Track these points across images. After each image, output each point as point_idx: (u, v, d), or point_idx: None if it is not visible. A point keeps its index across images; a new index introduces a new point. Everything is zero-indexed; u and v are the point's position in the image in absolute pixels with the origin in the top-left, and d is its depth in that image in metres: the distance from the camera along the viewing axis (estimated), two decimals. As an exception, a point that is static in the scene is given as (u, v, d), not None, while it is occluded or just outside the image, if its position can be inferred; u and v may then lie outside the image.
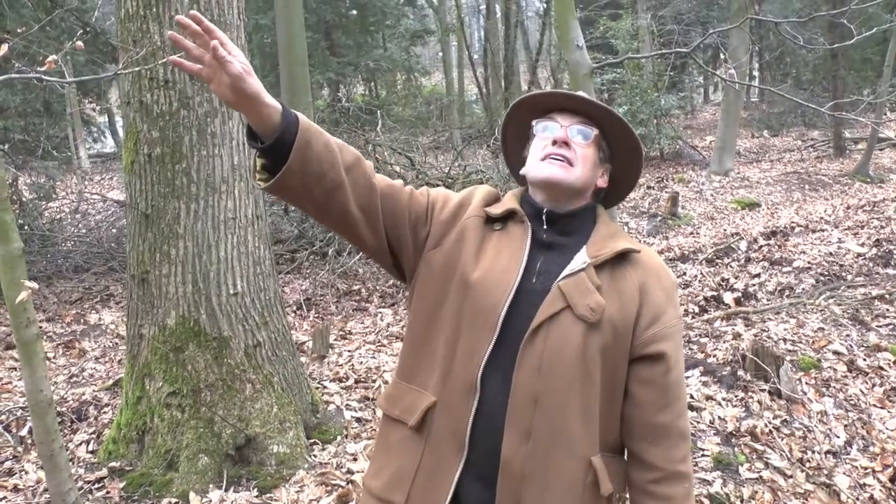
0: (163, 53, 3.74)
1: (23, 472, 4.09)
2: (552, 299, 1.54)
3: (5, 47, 3.03)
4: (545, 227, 1.64)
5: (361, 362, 5.59)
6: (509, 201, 1.67)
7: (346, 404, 4.70)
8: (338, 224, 1.57)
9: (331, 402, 4.69)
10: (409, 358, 1.67)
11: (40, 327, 6.71)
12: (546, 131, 1.66)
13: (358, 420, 4.50)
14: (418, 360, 1.64)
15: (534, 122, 1.69)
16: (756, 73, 22.56)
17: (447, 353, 1.58)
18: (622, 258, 1.62)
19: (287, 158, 1.42)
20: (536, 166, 1.64)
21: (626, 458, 1.66)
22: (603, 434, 1.58)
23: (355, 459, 3.95)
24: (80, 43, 3.30)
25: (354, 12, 22.54)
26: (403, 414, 1.63)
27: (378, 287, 7.84)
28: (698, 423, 4.24)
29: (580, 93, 1.69)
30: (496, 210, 1.65)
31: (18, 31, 4.94)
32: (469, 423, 1.55)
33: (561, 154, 1.62)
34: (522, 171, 1.69)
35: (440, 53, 26.69)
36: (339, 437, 4.26)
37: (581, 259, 1.59)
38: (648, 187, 12.84)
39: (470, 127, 19.89)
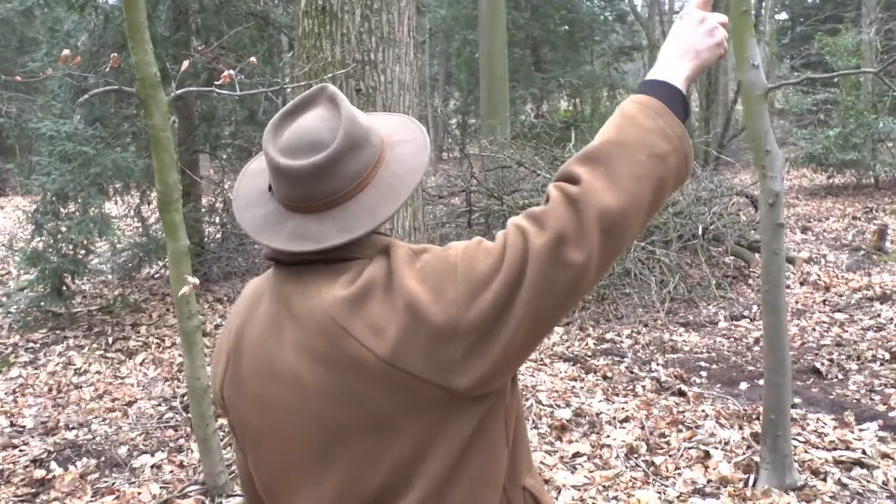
0: (332, 69, 3.95)
1: (189, 451, 4.46)
2: None
3: (185, 63, 3.32)
4: None
5: (519, 379, 5.59)
6: None
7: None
8: None
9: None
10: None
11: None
12: None
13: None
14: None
15: None
16: None
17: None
18: None
19: None
20: None
21: None
22: None
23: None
24: (253, 59, 3.56)
25: (565, 28, 22.62)
26: None
27: (553, 304, 7.78)
28: (868, 482, 3.87)
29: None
30: None
31: (203, 46, 5.39)
32: None
33: None
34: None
35: (641, 70, 26.12)
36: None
37: None
38: (854, 218, 11.80)
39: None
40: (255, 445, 1.29)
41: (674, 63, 1.32)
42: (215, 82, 3.57)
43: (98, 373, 6.20)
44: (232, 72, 3.48)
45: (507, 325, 1.11)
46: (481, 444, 1.21)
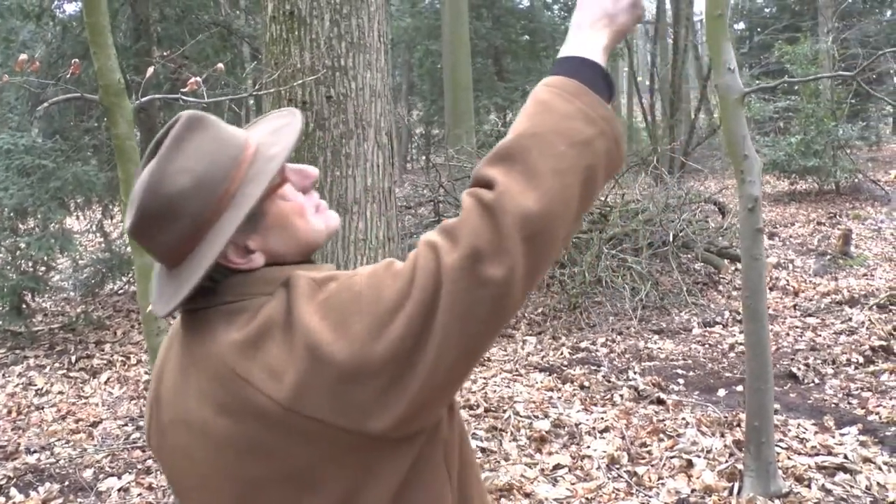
0: (301, 75, 3.84)
1: (157, 473, 4.30)
2: None
3: (150, 70, 3.20)
4: None
5: (495, 391, 5.49)
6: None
7: (473, 433, 4.62)
8: None
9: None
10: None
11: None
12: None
13: (482, 450, 4.41)
14: None
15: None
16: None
17: None
18: None
19: None
20: (324, 219, 1.18)
21: None
22: None
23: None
24: (220, 65, 3.44)
25: (526, 38, 22.72)
26: None
27: (526, 314, 7.72)
28: (852, 487, 3.84)
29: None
30: None
31: (166, 54, 5.26)
32: None
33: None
34: (311, 234, 1.16)
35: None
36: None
37: None
38: (819, 223, 11.97)
39: (635, 154, 19.43)
40: (183, 498, 1.18)
41: (587, 34, 1.17)
42: (181, 90, 3.44)
43: (61, 393, 5.99)
44: (198, 78, 3.36)
45: (423, 357, 0.97)
46: (418, 488, 1.07)
